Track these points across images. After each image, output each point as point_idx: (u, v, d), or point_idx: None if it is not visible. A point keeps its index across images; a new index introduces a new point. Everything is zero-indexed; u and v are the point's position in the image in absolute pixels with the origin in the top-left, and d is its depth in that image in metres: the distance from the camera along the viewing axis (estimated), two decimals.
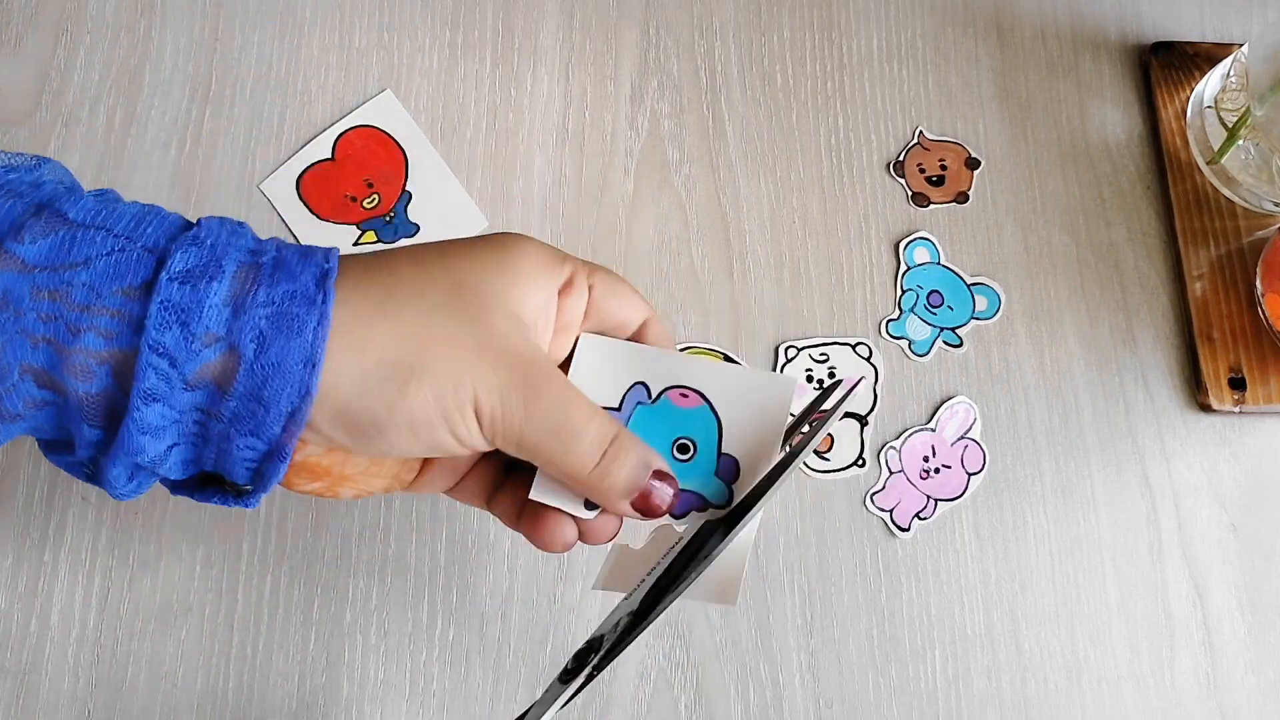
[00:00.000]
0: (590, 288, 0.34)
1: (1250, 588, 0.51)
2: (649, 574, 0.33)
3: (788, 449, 0.34)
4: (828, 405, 0.36)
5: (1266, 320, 0.53)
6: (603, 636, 0.32)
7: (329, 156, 0.53)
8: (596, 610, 0.48)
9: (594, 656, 0.31)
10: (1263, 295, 0.53)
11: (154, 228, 0.28)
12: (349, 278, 0.30)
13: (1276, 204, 0.55)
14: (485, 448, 0.31)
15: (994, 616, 0.49)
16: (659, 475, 0.32)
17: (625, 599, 0.33)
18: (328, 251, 0.30)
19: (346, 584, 0.47)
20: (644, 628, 0.31)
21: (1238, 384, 0.52)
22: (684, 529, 0.34)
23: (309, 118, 0.54)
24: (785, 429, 0.34)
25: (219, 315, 0.27)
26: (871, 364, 0.52)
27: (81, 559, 0.46)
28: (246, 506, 0.32)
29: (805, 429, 0.36)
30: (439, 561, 0.48)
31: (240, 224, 0.30)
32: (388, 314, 0.29)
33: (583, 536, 0.34)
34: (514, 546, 0.48)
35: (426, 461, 0.35)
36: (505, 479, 0.36)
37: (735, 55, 0.57)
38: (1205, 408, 0.53)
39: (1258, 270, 0.53)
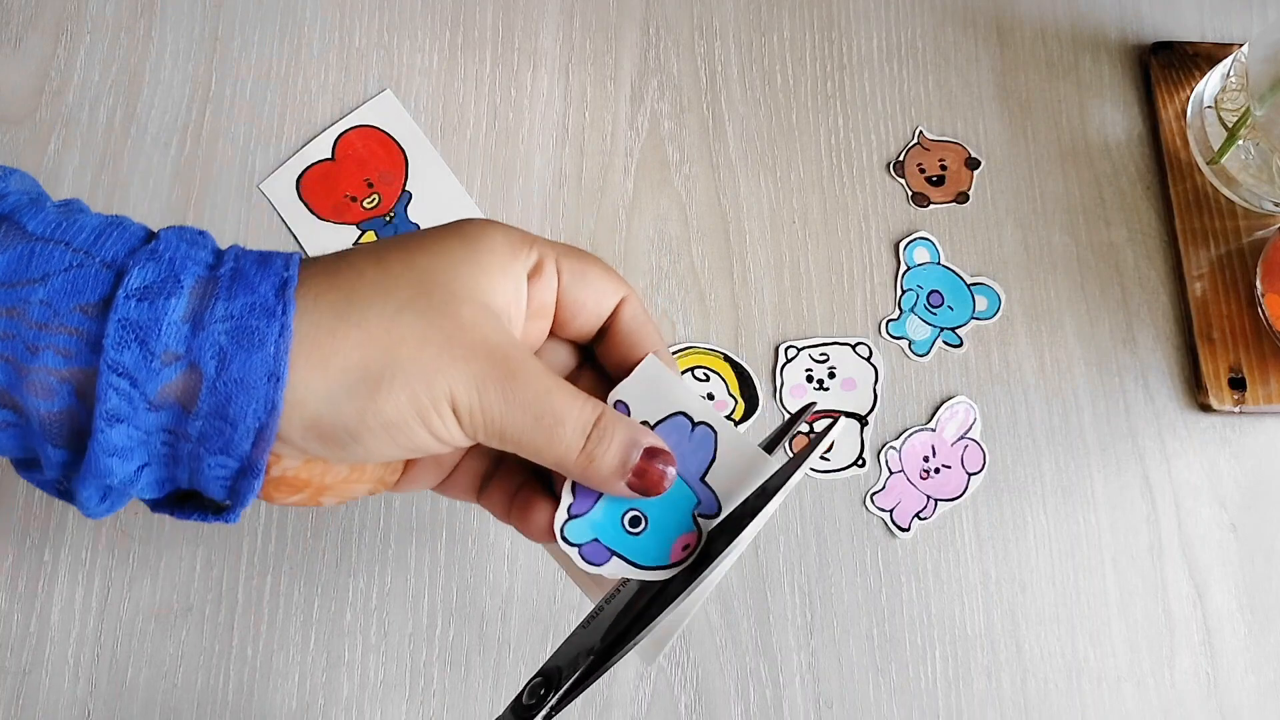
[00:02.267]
0: (559, 274, 0.32)
1: (1250, 588, 0.51)
2: (608, 602, 0.32)
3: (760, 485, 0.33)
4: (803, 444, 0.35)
5: (1266, 320, 0.53)
6: (560, 670, 0.31)
7: (329, 156, 0.53)
8: None
9: (552, 695, 0.30)
10: (1263, 295, 0.53)
11: (113, 240, 0.28)
12: (310, 285, 0.29)
13: (1276, 204, 0.55)
14: (466, 443, 0.30)
15: (994, 616, 0.49)
16: (651, 452, 0.31)
17: (583, 627, 0.32)
18: (288, 258, 0.29)
19: (346, 584, 0.47)
20: (607, 668, 0.30)
21: (1238, 384, 0.52)
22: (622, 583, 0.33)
23: (309, 118, 0.54)
24: (745, 500, 0.32)
25: (178, 332, 0.27)
26: (871, 364, 0.52)
27: (81, 559, 0.46)
28: (227, 522, 0.31)
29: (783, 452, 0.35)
30: (439, 561, 0.48)
31: (201, 234, 0.29)
32: (351, 320, 0.28)
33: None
34: (514, 546, 0.48)
35: (410, 459, 0.34)
36: (495, 470, 0.35)
37: (735, 55, 0.57)
38: (1205, 408, 0.53)
39: (1258, 270, 0.53)
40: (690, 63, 0.56)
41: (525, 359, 0.30)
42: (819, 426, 0.51)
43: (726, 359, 0.52)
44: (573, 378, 0.35)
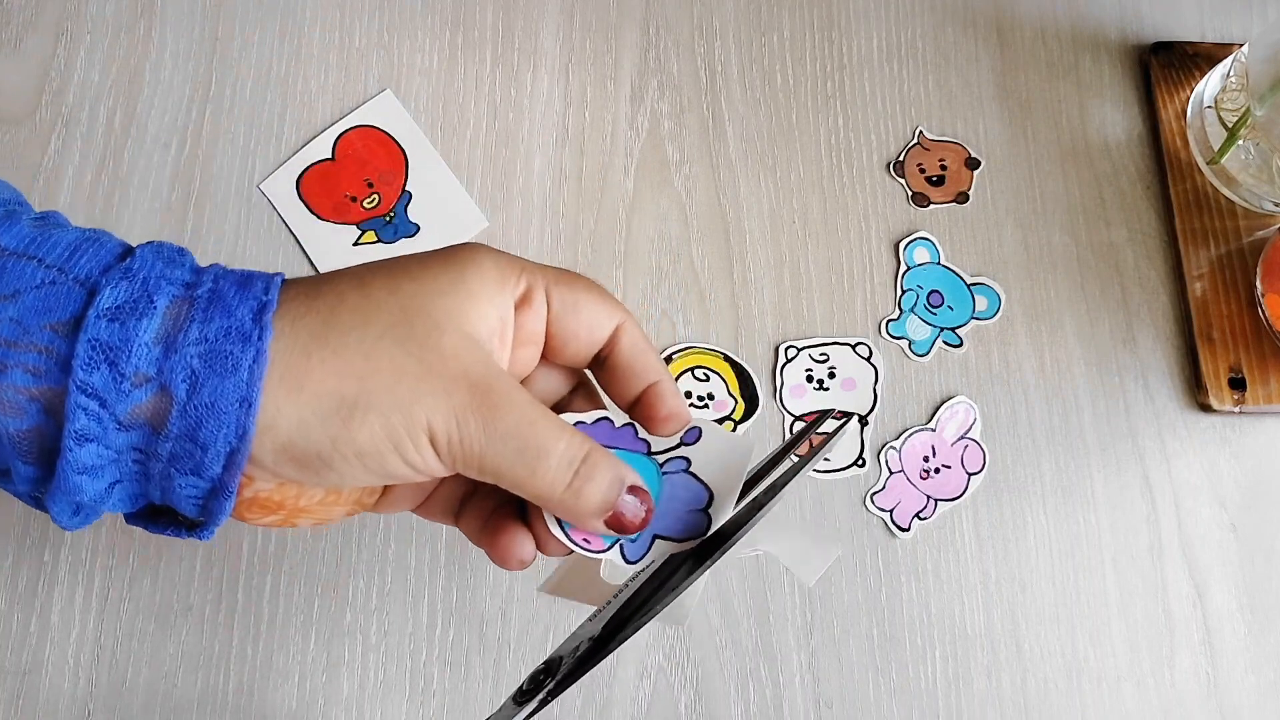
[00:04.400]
0: (549, 302, 0.32)
1: (1250, 588, 0.51)
2: (614, 596, 0.32)
3: (765, 484, 0.34)
4: (810, 441, 0.35)
5: (1266, 320, 0.53)
6: (561, 658, 0.31)
7: (329, 156, 0.53)
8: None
9: (550, 680, 0.30)
10: (1263, 295, 0.53)
11: (88, 257, 0.27)
12: (289, 309, 0.28)
13: (1276, 204, 0.55)
14: (444, 473, 0.30)
15: (994, 616, 0.49)
16: (633, 491, 0.31)
17: (589, 620, 0.32)
18: (269, 281, 0.28)
19: (346, 584, 0.47)
20: (605, 654, 0.30)
21: (1238, 384, 0.52)
22: (636, 570, 0.33)
23: (309, 118, 0.54)
24: (743, 483, 0.33)
25: (149, 354, 0.26)
26: (871, 364, 0.52)
27: (81, 559, 0.46)
28: (200, 539, 0.30)
29: (790, 460, 0.35)
30: (439, 561, 0.48)
31: (180, 251, 0.29)
32: (329, 346, 0.28)
33: (541, 547, 0.33)
34: None
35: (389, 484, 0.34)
36: (472, 494, 0.35)
37: (735, 55, 0.57)
38: (1205, 408, 0.53)
39: (1258, 270, 0.53)
40: (690, 63, 0.56)
41: (509, 389, 0.29)
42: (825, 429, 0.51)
43: (726, 359, 0.52)
44: (565, 401, 0.35)
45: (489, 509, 0.33)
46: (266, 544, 0.47)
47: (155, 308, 0.27)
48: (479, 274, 0.30)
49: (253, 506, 0.30)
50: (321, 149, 0.53)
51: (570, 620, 0.47)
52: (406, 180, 0.53)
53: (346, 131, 0.54)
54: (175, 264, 0.28)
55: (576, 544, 0.32)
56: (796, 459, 0.35)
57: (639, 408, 0.33)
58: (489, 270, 0.30)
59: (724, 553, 0.32)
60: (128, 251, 0.28)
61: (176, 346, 0.26)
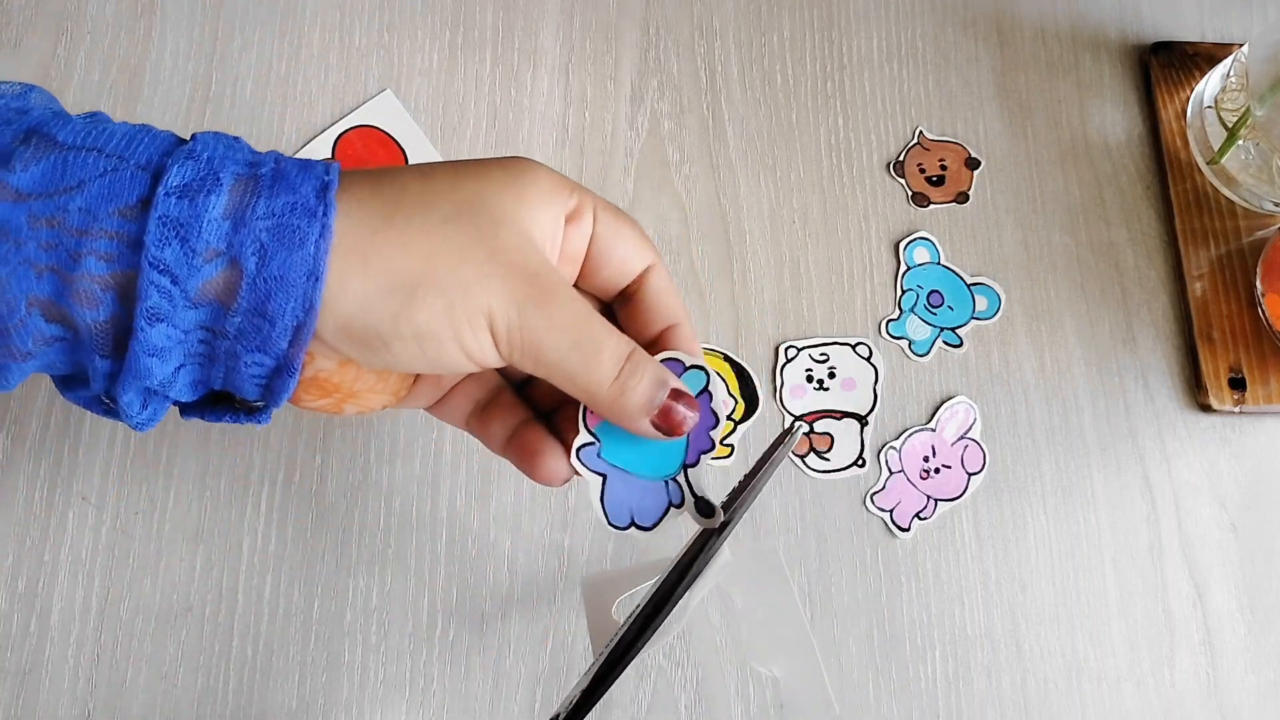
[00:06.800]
0: (595, 222, 0.33)
1: (1250, 588, 0.51)
2: (606, 644, 0.33)
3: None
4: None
5: (1266, 320, 0.53)
6: (558, 716, 0.32)
7: (329, 156, 0.53)
8: None
9: None
10: (1263, 295, 0.53)
11: (146, 145, 0.28)
12: (353, 192, 0.29)
13: (1276, 204, 0.55)
14: (496, 363, 0.30)
15: (994, 616, 0.49)
16: (676, 394, 0.32)
17: (584, 675, 0.33)
18: (329, 165, 0.29)
19: (346, 584, 0.47)
20: (593, 704, 0.31)
21: (1238, 384, 0.52)
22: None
23: (309, 118, 0.54)
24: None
25: (218, 229, 0.27)
26: (871, 364, 0.52)
27: (81, 559, 0.46)
28: (259, 422, 0.31)
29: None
30: (439, 561, 0.48)
31: (236, 139, 0.30)
32: (394, 226, 0.28)
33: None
34: (514, 547, 0.48)
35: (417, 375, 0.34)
36: (491, 402, 0.35)
37: (735, 55, 0.57)
38: (1205, 408, 0.53)
39: (1258, 270, 0.53)
40: (690, 63, 0.56)
41: (564, 284, 0.30)
42: (819, 427, 0.51)
43: (726, 359, 0.52)
44: None
45: (516, 421, 0.34)
46: (267, 544, 0.47)
47: (221, 185, 0.27)
48: (535, 182, 0.31)
49: (310, 388, 0.31)
50: (321, 149, 0.53)
51: (572, 622, 0.47)
52: None
53: (346, 131, 0.54)
54: (234, 148, 0.29)
55: (579, 455, 0.33)
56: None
57: (654, 348, 0.34)
58: (544, 180, 0.31)
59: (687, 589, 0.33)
60: (181, 140, 0.29)
61: (245, 221, 0.27)
